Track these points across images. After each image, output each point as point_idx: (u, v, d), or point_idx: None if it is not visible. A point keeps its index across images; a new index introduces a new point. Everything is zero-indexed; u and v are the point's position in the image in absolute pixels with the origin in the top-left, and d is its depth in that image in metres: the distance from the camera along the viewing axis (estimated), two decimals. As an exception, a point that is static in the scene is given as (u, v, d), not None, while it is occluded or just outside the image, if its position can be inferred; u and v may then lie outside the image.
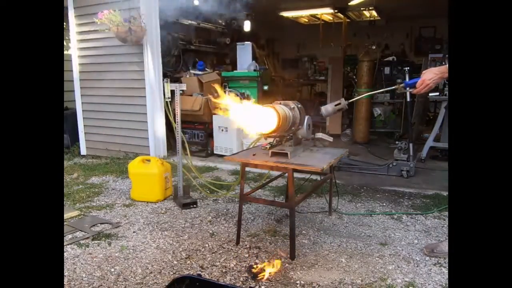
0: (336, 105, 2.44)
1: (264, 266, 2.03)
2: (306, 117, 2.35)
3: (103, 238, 2.49)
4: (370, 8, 7.31)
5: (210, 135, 4.92)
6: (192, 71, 5.32)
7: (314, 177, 3.26)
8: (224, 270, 2.08)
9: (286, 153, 2.23)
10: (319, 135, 2.64)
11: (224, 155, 4.51)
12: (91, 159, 5.01)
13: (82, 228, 2.66)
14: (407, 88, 2.29)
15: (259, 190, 3.32)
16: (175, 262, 2.19)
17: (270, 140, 2.52)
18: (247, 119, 1.96)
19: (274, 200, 3.22)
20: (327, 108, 2.47)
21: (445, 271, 2.05)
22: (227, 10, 4.89)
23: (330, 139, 2.66)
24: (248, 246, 2.38)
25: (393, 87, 2.30)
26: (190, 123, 4.92)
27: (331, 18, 8.52)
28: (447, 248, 2.23)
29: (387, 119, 6.08)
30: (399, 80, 2.28)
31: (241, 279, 1.99)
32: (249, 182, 3.71)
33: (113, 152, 4.94)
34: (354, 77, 6.22)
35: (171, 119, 3.26)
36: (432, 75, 2.07)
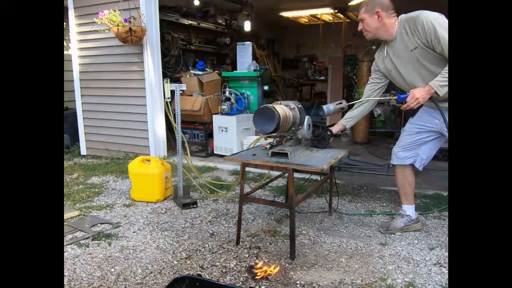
0: (337, 104, 2.57)
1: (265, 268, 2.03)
2: (306, 117, 2.36)
3: (103, 238, 2.49)
4: (370, 8, 7.29)
5: (210, 135, 4.92)
6: (192, 71, 5.31)
7: (314, 177, 3.26)
8: (224, 270, 2.08)
9: (286, 153, 2.23)
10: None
11: (224, 155, 4.51)
12: (91, 159, 5.01)
13: (82, 228, 2.66)
14: (398, 103, 2.27)
15: (259, 190, 3.32)
16: (175, 262, 2.19)
17: (270, 140, 2.52)
18: None
19: (274, 200, 3.22)
20: (329, 107, 2.58)
21: (445, 271, 2.05)
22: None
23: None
24: (248, 246, 2.38)
25: (387, 98, 2.30)
26: (190, 123, 4.91)
27: (331, 18, 8.53)
28: (398, 223, 2.55)
29: (387, 119, 6.07)
30: (393, 92, 2.29)
31: (241, 279, 1.99)
32: (249, 182, 3.71)
33: (113, 152, 4.94)
34: (354, 77, 6.22)
35: (171, 119, 3.26)
36: (419, 90, 2.13)
